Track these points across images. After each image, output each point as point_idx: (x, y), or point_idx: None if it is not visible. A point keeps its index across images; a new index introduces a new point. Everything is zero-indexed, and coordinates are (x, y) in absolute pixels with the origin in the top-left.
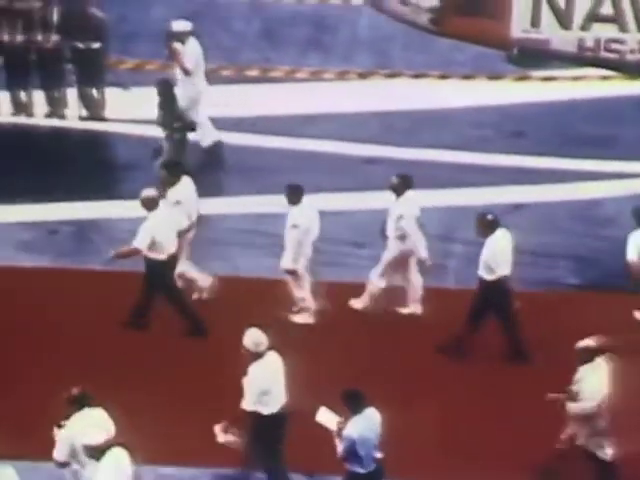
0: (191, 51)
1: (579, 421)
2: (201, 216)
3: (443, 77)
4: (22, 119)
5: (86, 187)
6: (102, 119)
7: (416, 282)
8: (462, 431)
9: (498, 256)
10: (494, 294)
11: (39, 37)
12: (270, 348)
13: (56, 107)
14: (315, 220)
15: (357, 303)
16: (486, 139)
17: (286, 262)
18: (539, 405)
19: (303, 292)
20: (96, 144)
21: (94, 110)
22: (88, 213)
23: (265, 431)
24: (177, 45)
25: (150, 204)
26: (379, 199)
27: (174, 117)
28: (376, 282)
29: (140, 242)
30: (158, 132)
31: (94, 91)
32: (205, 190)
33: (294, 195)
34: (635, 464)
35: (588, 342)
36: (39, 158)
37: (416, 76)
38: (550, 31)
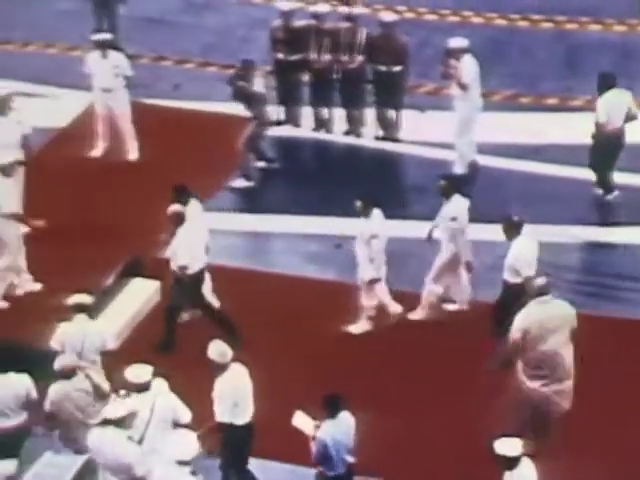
0: (467, 67)
1: None
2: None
3: None
4: (322, 135)
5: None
6: (396, 140)
7: (464, 279)
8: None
9: (522, 259)
10: (518, 297)
11: (344, 57)
12: (234, 360)
13: (354, 125)
14: (386, 230)
15: (415, 314)
16: None
17: (369, 272)
18: None
19: (373, 301)
20: (388, 164)
21: (390, 131)
22: None
23: (238, 441)
24: (453, 61)
25: (177, 219)
26: None
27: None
28: (433, 289)
29: (181, 260)
30: (450, 156)
31: (391, 112)
32: (481, 215)
33: (367, 207)
34: None
35: None
36: (333, 173)
37: None
38: None
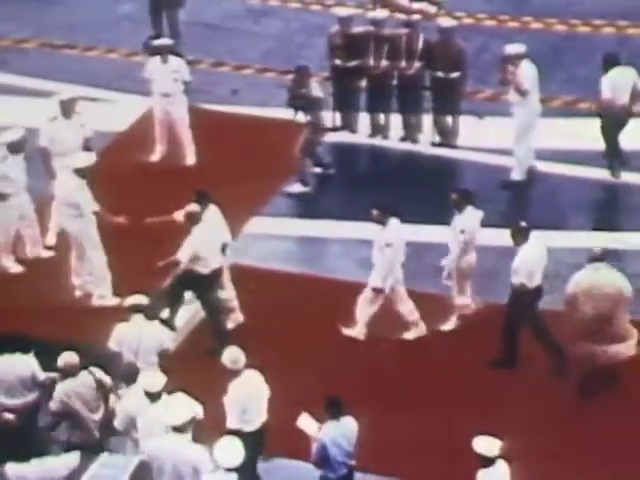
0: (525, 72)
1: None
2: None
3: None
4: (378, 141)
5: (429, 210)
6: (454, 146)
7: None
8: None
9: (529, 265)
10: (527, 302)
11: (403, 63)
12: (249, 366)
13: (411, 131)
14: (403, 239)
15: (447, 326)
16: None
17: (375, 280)
18: None
19: (407, 305)
20: (444, 170)
21: (447, 137)
22: (427, 236)
23: (246, 447)
24: (511, 67)
25: (192, 219)
26: None
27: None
28: (461, 302)
29: (182, 255)
30: (509, 162)
31: (449, 119)
32: (541, 223)
33: (383, 215)
34: None
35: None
36: (389, 179)
37: None
38: None
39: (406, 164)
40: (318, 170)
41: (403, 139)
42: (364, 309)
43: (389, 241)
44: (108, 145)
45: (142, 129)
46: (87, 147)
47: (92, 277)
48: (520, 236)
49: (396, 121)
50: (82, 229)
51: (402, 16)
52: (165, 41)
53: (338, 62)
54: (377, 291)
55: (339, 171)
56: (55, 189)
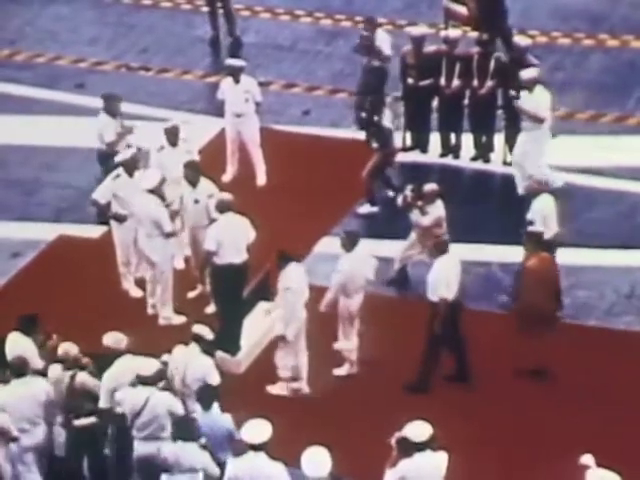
0: (540, 98)
1: None
2: None
3: None
4: (449, 160)
5: (500, 230)
6: None
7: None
8: None
9: (445, 277)
10: (446, 314)
11: (475, 82)
12: (133, 352)
13: (482, 151)
14: (306, 282)
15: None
16: None
17: (277, 328)
18: None
19: (290, 360)
20: (516, 189)
21: None
22: (498, 256)
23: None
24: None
25: (221, 207)
26: None
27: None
28: (346, 346)
29: (208, 244)
30: (577, 180)
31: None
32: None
33: (282, 260)
34: None
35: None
36: (460, 199)
37: None
38: None
39: (477, 183)
40: (389, 192)
41: (474, 158)
42: (280, 361)
43: (288, 285)
44: None
45: (214, 150)
46: None
47: (157, 299)
48: (436, 250)
49: (467, 140)
50: (161, 249)
51: (474, 35)
52: (237, 61)
53: (410, 81)
54: (281, 339)
55: None
56: (135, 209)
